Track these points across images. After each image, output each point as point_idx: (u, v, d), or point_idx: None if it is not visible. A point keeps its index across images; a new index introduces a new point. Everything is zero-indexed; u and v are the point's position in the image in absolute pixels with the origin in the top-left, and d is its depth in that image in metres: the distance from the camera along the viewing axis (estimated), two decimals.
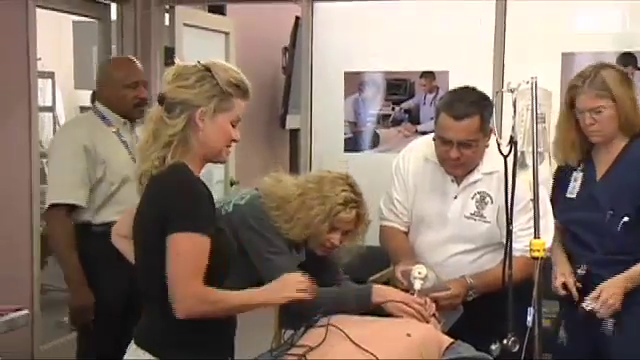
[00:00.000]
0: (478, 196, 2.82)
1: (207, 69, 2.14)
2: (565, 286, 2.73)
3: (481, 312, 2.65)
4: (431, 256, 2.85)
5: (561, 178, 2.87)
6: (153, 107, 2.20)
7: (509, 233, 2.41)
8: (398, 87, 4.54)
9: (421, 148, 2.94)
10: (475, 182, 2.82)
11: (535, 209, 2.39)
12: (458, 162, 2.76)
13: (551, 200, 2.86)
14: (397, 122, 4.57)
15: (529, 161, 2.43)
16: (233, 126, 2.18)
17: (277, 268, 2.54)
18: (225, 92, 2.13)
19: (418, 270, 2.65)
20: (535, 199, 2.40)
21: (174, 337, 2.10)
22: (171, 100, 2.13)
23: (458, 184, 2.84)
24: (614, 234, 2.68)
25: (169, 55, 4.77)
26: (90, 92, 5.54)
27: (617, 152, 2.75)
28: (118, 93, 3.35)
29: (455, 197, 2.84)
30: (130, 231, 2.23)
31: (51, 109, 6.59)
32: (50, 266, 5.55)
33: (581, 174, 2.80)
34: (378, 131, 4.61)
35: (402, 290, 2.66)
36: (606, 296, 2.59)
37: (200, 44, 5.05)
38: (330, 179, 2.68)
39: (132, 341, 2.19)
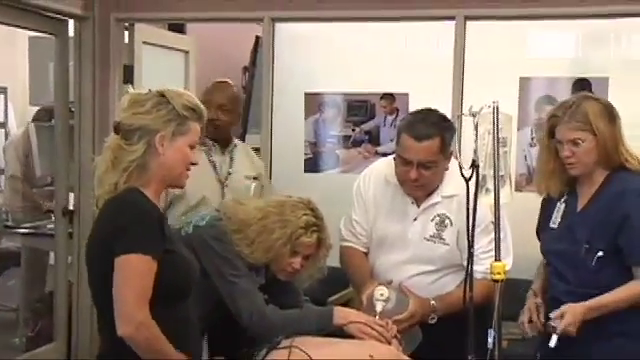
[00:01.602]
0: (438, 218, 2.85)
1: (161, 95, 2.20)
2: (530, 320, 2.72)
3: (442, 334, 2.68)
4: (391, 277, 2.87)
5: (546, 208, 2.84)
6: (110, 136, 2.23)
7: (470, 256, 2.45)
8: (358, 108, 4.59)
9: (382, 169, 2.97)
10: (435, 204, 2.86)
11: (496, 232, 2.43)
12: (417, 183, 2.79)
13: (536, 230, 2.89)
14: (357, 143, 4.61)
15: (490, 185, 2.47)
16: (191, 149, 2.23)
17: (240, 291, 2.54)
18: (181, 116, 2.19)
19: (380, 292, 2.68)
20: (496, 222, 2.45)
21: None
22: (128, 127, 2.17)
23: (418, 206, 2.87)
24: (588, 268, 2.64)
25: (128, 73, 4.75)
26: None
27: (598, 185, 2.70)
28: None
29: (415, 219, 2.87)
30: None
31: (3, 125, 6.50)
32: (1, 284, 5.48)
33: (563, 205, 2.77)
34: (338, 152, 4.65)
35: (363, 312, 2.68)
36: (568, 321, 2.55)
37: (159, 62, 5.03)
38: (291, 203, 2.69)
39: None
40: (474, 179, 2.41)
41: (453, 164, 2.78)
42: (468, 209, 2.43)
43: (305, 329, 2.53)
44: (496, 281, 2.40)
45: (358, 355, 2.31)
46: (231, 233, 2.63)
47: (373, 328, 2.54)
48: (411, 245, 2.87)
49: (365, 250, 3.01)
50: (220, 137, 3.56)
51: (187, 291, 2.22)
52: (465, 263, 2.58)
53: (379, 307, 2.64)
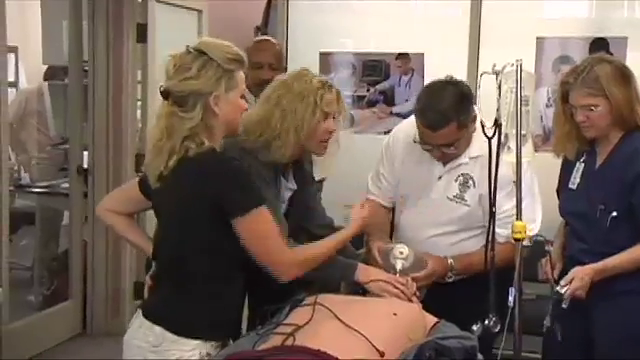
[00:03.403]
0: (461, 178, 2.83)
1: (202, 52, 2.16)
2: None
3: (463, 293, 2.68)
4: (412, 236, 2.86)
5: (566, 168, 2.85)
6: (160, 104, 2.22)
7: (492, 215, 2.44)
8: (373, 68, 4.54)
9: (410, 129, 2.90)
10: (460, 165, 2.83)
11: (517, 191, 2.41)
12: (443, 159, 2.80)
13: (557, 191, 2.88)
14: (372, 103, 4.57)
15: (512, 143, 2.46)
16: (242, 97, 2.25)
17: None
18: (228, 70, 2.18)
19: (399, 250, 2.66)
20: (517, 181, 2.41)
21: (191, 313, 2.21)
22: (179, 94, 2.15)
23: (444, 164, 2.85)
24: (603, 228, 2.65)
25: (141, 32, 4.72)
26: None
27: (613, 145, 2.70)
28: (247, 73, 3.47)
29: (440, 178, 2.85)
30: (120, 207, 2.42)
31: (15, 84, 6.47)
32: (15, 243, 5.51)
33: (582, 165, 2.78)
34: (353, 112, 4.60)
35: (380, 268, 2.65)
36: (576, 286, 2.57)
37: (173, 21, 4.99)
38: (292, 77, 2.59)
39: (139, 314, 2.28)
40: (496, 138, 2.38)
41: (479, 122, 2.76)
42: (490, 167, 2.41)
43: (328, 276, 2.51)
44: (517, 240, 2.39)
45: (382, 313, 2.29)
46: (254, 144, 2.51)
47: (394, 286, 2.52)
48: (434, 204, 2.85)
49: (388, 205, 3.01)
50: None
51: None
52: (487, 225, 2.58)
53: (399, 265, 2.62)
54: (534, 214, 2.73)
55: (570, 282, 2.58)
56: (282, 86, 2.58)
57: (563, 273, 2.73)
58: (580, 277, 2.57)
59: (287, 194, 2.68)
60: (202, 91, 2.14)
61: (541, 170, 2.96)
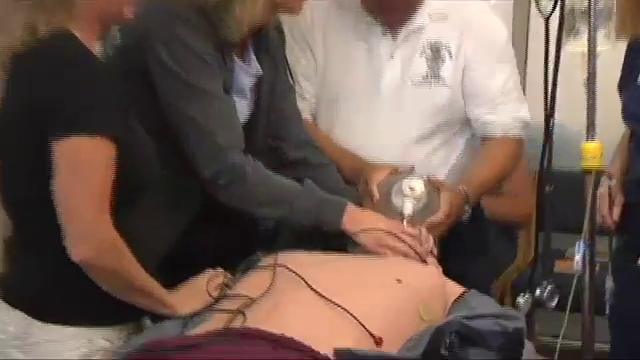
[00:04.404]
0: (429, 51, 2.81)
1: None
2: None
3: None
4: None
5: (632, 57, 2.90)
6: None
7: (548, 127, 2.46)
8: None
9: None
10: (420, 29, 2.80)
11: (591, 99, 2.45)
12: (387, 11, 2.76)
13: (619, 87, 2.93)
14: None
15: (583, 25, 2.49)
16: None
17: (201, 131, 2.45)
18: None
19: (409, 185, 2.63)
20: (590, 81, 2.46)
21: (57, 289, 2.16)
22: None
23: (393, 36, 2.81)
24: None
25: None
26: None
27: None
28: None
29: (392, 56, 2.82)
30: None
31: None
32: None
33: None
34: None
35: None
36: None
37: None
38: None
39: None
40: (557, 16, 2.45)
41: None
42: (547, 61, 2.37)
43: (297, 215, 2.51)
44: (588, 172, 2.42)
45: (380, 279, 2.26)
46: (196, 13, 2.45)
47: (401, 239, 2.49)
48: (389, 98, 2.82)
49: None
50: None
51: (148, 184, 2.24)
52: (474, 114, 2.76)
53: (408, 208, 2.60)
54: (518, 91, 2.83)
55: None
56: None
57: (627, 209, 2.82)
58: None
59: (248, 82, 2.62)
60: None
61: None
